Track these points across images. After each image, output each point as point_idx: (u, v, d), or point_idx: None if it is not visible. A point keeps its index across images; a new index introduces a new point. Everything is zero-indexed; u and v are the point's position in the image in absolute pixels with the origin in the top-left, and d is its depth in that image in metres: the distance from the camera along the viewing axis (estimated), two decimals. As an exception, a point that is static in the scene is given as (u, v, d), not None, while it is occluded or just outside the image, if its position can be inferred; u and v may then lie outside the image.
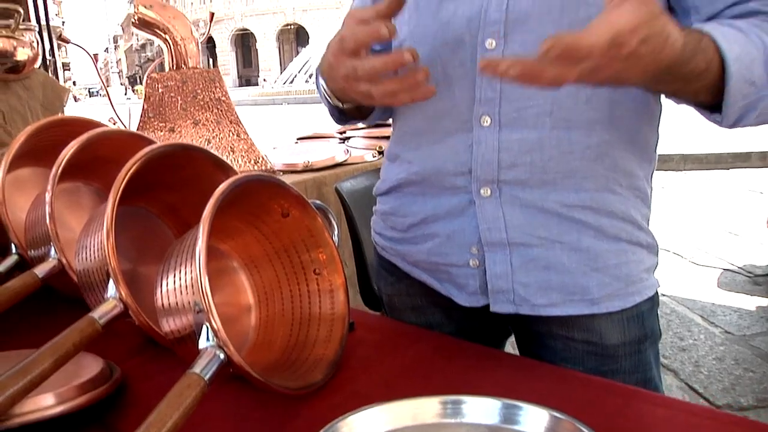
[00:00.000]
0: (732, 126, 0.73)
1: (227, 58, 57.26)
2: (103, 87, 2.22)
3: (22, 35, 1.31)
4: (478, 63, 0.81)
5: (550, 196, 0.83)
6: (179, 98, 1.90)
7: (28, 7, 1.86)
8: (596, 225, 0.84)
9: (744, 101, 0.69)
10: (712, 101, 0.71)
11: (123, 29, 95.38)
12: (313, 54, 29.87)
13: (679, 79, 0.66)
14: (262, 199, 0.77)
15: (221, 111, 1.92)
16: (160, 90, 1.89)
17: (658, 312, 0.95)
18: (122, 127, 2.21)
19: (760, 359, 2.72)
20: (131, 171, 0.79)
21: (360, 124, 1.41)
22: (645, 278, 0.89)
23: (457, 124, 0.85)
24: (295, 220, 0.79)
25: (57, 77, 2.01)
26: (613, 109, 0.81)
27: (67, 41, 2.02)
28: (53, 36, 2.24)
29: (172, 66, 1.97)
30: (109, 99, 2.20)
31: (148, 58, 77.73)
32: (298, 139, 2.83)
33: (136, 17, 1.93)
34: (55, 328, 0.71)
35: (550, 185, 0.83)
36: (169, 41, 1.94)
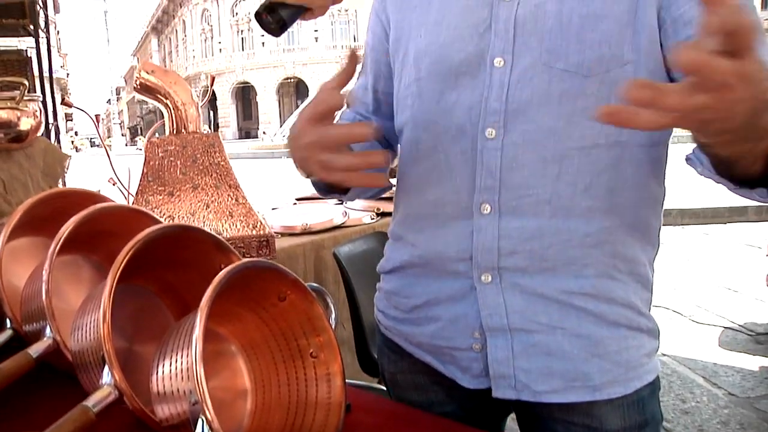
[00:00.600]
0: None
1: (228, 110, 57.92)
2: (105, 149, 2.24)
3: (26, 105, 1.32)
4: (479, 152, 0.83)
5: (551, 283, 0.83)
6: (179, 162, 1.91)
7: (33, 74, 1.89)
8: (597, 312, 0.84)
9: None
10: (762, 172, 0.67)
11: (126, 81, 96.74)
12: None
13: (759, 129, 0.60)
14: (260, 283, 0.77)
15: (220, 175, 1.93)
16: (159, 154, 1.91)
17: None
18: (121, 188, 2.22)
19: (767, 423, 2.68)
20: (130, 253, 0.79)
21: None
22: (645, 363, 0.88)
23: (457, 210, 0.86)
24: (292, 305, 0.79)
25: (59, 140, 2.04)
26: (612, 196, 0.82)
27: (70, 105, 2.05)
28: (56, 98, 2.27)
29: (173, 130, 1.98)
30: (110, 160, 2.21)
31: (150, 110, 78.62)
32: (296, 199, 2.84)
33: (138, 82, 1.96)
34: (49, 404, 0.70)
35: (550, 272, 0.83)
36: (170, 106, 1.97)
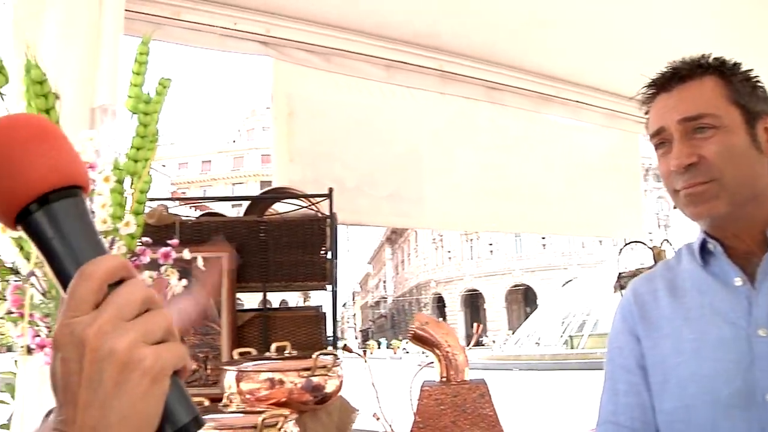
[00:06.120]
0: None
1: (456, 317, 58.93)
2: (376, 397, 2.37)
3: (333, 370, 1.49)
4: None
5: None
6: (449, 411, 1.99)
7: (325, 328, 2.13)
8: None
9: None
10: None
11: (361, 287, 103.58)
12: (540, 320, 29.68)
13: None
14: None
15: (488, 425, 1.96)
16: (431, 403, 2.00)
17: None
18: (385, 425, 2.32)
19: None
20: None
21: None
22: None
23: None
24: None
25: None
26: None
27: (350, 351, 2.26)
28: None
29: (443, 377, 2.09)
30: (378, 402, 2.34)
31: (381, 315, 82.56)
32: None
33: (411, 333, 2.12)
34: None
35: None
36: (441, 356, 2.09)
